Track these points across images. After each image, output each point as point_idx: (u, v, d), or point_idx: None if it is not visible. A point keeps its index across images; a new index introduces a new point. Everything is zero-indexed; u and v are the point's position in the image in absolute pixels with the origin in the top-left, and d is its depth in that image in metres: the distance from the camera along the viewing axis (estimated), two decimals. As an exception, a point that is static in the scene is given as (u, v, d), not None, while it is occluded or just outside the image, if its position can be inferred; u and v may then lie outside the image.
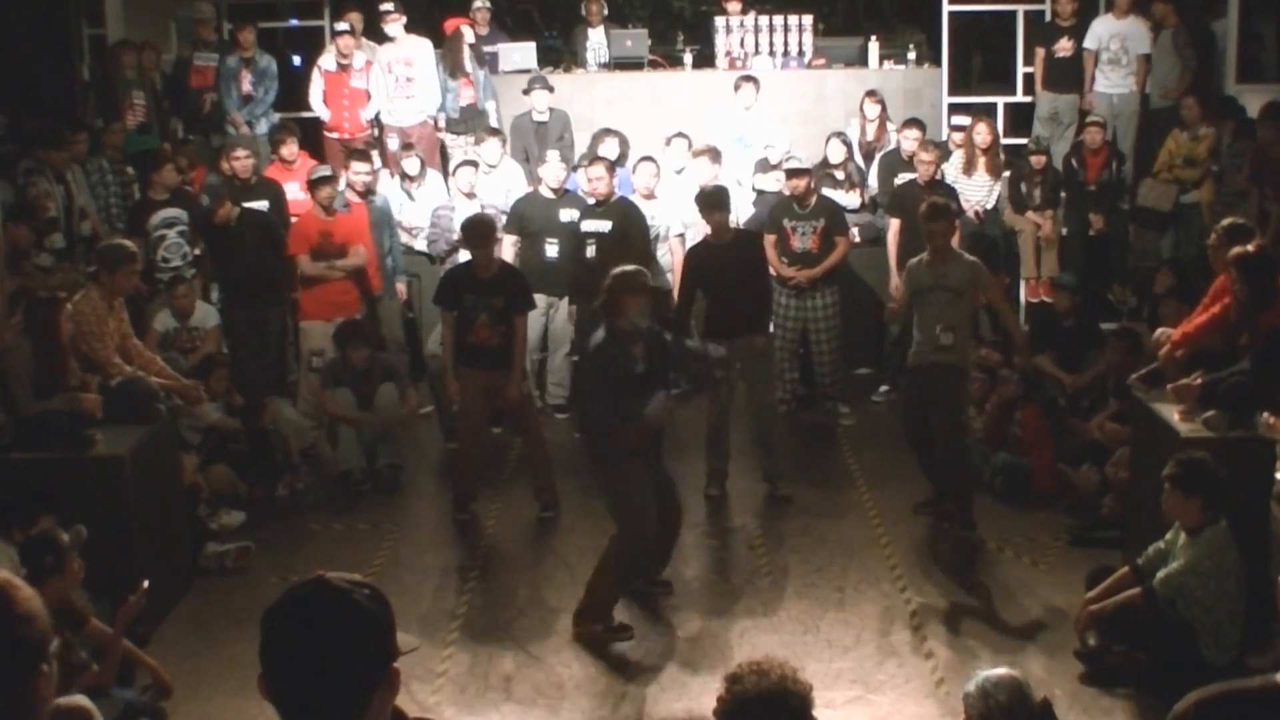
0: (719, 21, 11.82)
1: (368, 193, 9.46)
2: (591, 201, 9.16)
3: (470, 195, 9.73)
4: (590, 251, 8.92)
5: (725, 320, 7.99)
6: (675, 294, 9.32)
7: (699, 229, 9.67)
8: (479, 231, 7.86)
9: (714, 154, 9.84)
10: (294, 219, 9.46)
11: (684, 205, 9.83)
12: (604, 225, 8.87)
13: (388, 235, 9.53)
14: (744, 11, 11.90)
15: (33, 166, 9.03)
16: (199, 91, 11.06)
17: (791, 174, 9.16)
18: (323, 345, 9.13)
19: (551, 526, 7.81)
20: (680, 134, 10.17)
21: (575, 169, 10.03)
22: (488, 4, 11.57)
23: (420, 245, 9.97)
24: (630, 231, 8.86)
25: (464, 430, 8.03)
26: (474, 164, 9.92)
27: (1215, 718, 2.49)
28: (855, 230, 9.90)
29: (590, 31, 11.99)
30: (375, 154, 10.30)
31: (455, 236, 9.38)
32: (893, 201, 9.77)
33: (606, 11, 12.26)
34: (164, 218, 9.19)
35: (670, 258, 9.40)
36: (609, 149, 9.98)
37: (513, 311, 7.75)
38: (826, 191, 9.78)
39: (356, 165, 9.45)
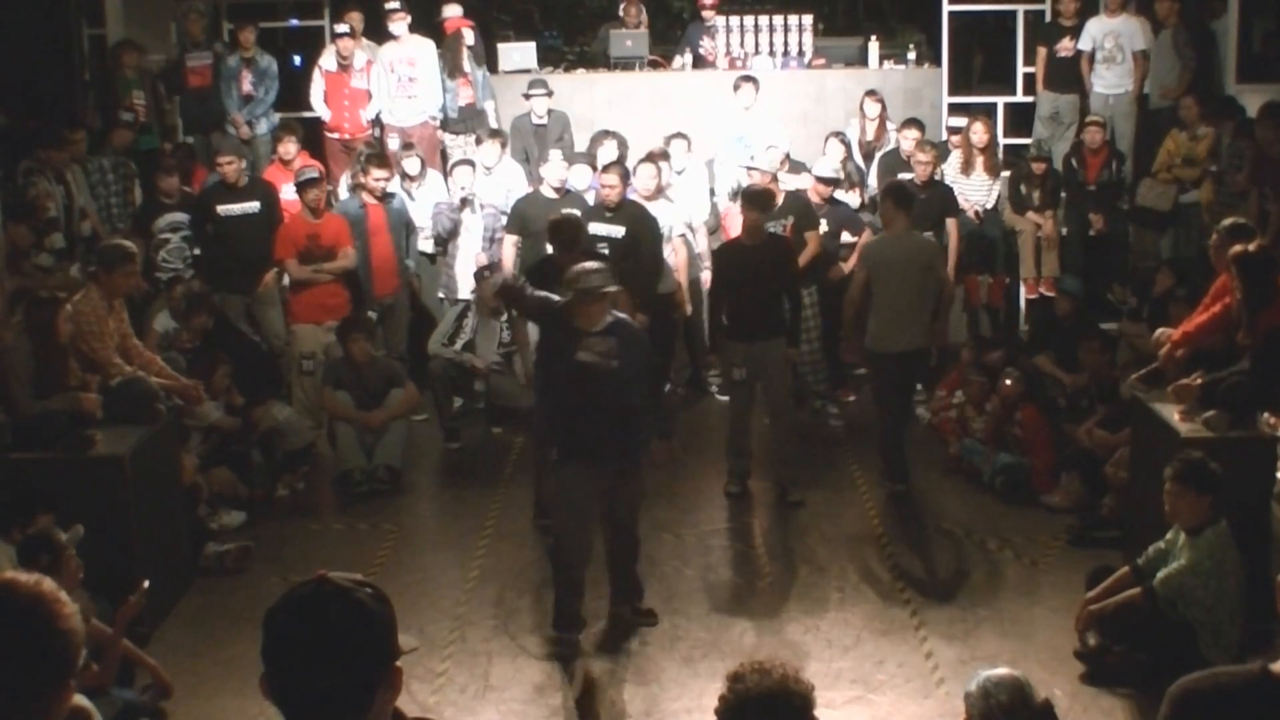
0: (705, 22, 11.78)
1: (386, 196, 9.46)
2: (597, 204, 9.05)
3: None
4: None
5: (746, 322, 7.97)
6: (679, 293, 9.32)
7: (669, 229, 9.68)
8: (567, 233, 7.71)
9: (662, 155, 9.73)
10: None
11: (686, 204, 9.84)
12: (617, 230, 8.61)
13: (405, 238, 9.51)
14: (720, 12, 11.86)
15: (33, 166, 9.03)
16: (195, 91, 11.05)
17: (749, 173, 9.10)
18: (313, 348, 9.13)
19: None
20: (680, 134, 10.15)
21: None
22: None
23: (424, 245, 9.96)
24: (642, 236, 8.76)
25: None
26: (470, 163, 9.91)
27: (1203, 703, 2.50)
28: (868, 230, 9.86)
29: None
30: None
31: (459, 211, 9.49)
32: (891, 201, 9.74)
33: (645, 16, 12.10)
34: (170, 221, 9.49)
35: (675, 257, 9.37)
36: (608, 151, 9.94)
37: None
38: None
39: (376, 171, 9.42)
